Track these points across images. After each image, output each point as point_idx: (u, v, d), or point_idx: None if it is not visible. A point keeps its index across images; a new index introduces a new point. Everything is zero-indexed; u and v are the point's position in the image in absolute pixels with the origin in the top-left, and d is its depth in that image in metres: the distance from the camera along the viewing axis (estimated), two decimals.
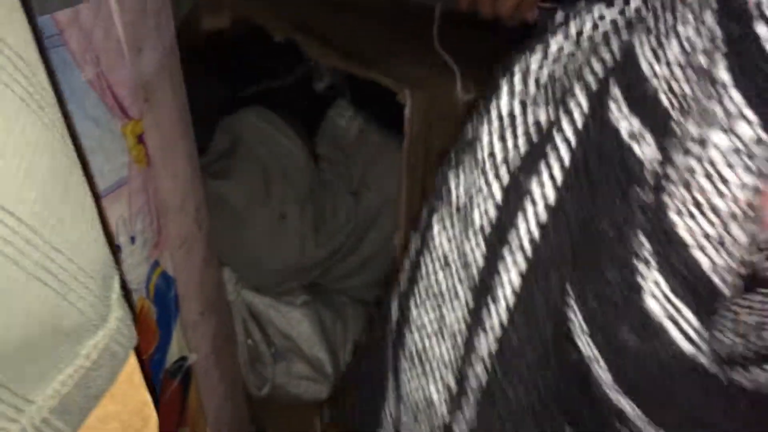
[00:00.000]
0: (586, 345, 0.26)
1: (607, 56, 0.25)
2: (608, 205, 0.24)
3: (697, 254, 0.23)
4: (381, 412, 0.36)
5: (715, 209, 0.22)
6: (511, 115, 0.27)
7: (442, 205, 0.30)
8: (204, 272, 0.84)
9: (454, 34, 0.94)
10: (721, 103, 0.21)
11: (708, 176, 0.22)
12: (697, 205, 0.22)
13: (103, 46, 0.60)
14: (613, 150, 0.24)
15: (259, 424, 1.09)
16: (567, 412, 0.29)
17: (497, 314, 0.27)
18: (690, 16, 0.22)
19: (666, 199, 0.23)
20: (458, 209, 0.29)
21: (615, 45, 0.25)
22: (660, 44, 0.23)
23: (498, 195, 0.27)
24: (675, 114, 0.23)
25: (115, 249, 0.63)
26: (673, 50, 0.23)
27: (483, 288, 0.28)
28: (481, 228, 0.28)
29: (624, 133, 0.24)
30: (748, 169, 0.21)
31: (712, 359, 0.24)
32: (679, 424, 0.26)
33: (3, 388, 0.23)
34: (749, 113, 0.21)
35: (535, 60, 0.27)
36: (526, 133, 0.26)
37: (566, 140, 0.25)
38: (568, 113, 0.25)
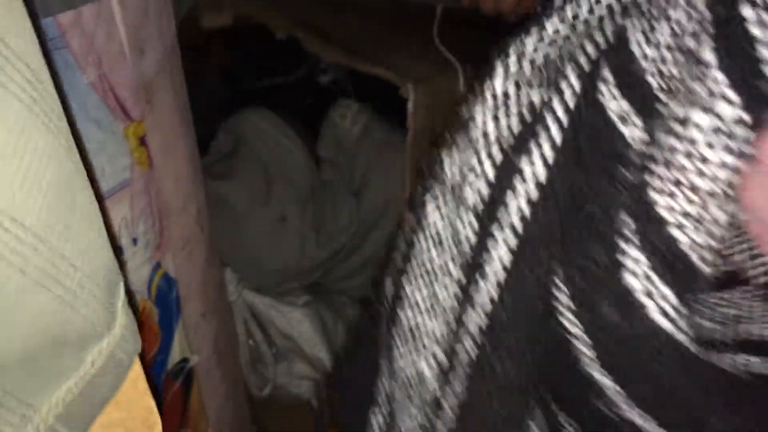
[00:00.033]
0: (570, 321, 0.26)
1: (600, 39, 0.25)
2: (596, 185, 0.25)
3: (676, 232, 0.23)
4: (376, 389, 0.36)
5: (694, 188, 0.23)
6: (505, 96, 0.27)
7: (436, 184, 0.31)
8: (206, 273, 0.84)
9: (454, 33, 0.94)
10: (704, 83, 0.21)
11: (688, 155, 0.22)
12: (677, 183, 0.23)
13: (105, 47, 0.60)
14: (602, 130, 0.25)
15: (260, 424, 1.09)
16: (553, 388, 0.30)
17: (487, 290, 0.28)
18: (681, 0, 0.22)
19: (648, 178, 0.23)
20: (451, 188, 0.29)
21: (609, 28, 0.25)
22: (652, 28, 0.23)
23: (490, 173, 0.27)
24: (662, 95, 0.23)
25: (118, 251, 0.63)
26: (663, 33, 0.23)
27: (474, 265, 0.28)
28: (473, 206, 0.28)
29: (612, 114, 0.24)
30: (728, 149, 0.22)
31: (690, 337, 0.25)
32: (654, 398, 0.26)
33: (9, 396, 0.23)
34: (731, 94, 0.21)
35: (530, 42, 0.27)
36: (520, 114, 0.27)
37: (557, 120, 0.26)
38: (560, 93, 0.26)
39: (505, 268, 0.27)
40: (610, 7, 0.26)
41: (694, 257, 0.23)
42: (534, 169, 0.26)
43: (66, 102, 0.54)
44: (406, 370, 0.33)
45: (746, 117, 0.21)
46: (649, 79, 0.23)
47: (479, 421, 0.30)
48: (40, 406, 0.24)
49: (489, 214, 0.28)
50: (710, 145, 0.22)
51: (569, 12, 0.27)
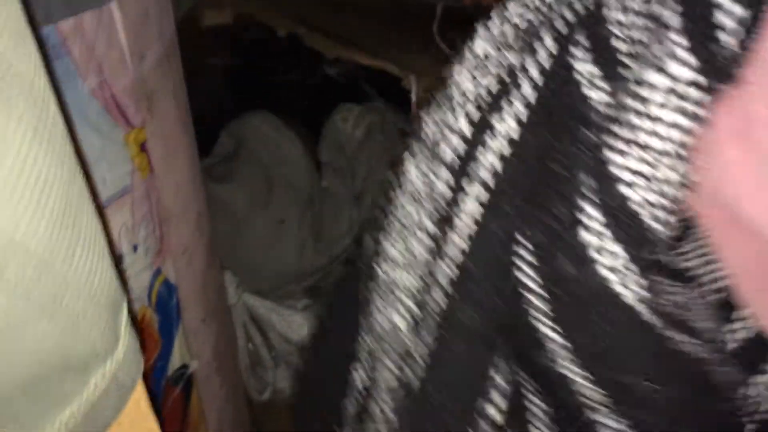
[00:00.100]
0: (527, 275, 0.27)
1: (579, 6, 0.26)
2: (561, 145, 0.26)
3: (627, 190, 0.24)
4: (355, 343, 0.36)
5: (645, 147, 0.23)
6: (486, 57, 0.28)
7: (417, 144, 0.31)
8: (206, 278, 0.84)
9: (454, 32, 0.94)
10: (664, 45, 0.22)
11: (641, 114, 0.23)
12: (629, 142, 0.23)
13: (106, 54, 0.60)
14: (570, 92, 0.25)
15: (260, 428, 1.09)
16: (516, 344, 0.30)
17: (458, 242, 0.28)
18: None
19: (606, 138, 0.24)
20: (430, 145, 0.30)
21: None
22: None
23: (466, 130, 0.28)
24: (628, 60, 0.24)
25: (117, 259, 0.63)
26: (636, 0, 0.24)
27: (447, 218, 0.29)
28: (449, 162, 0.29)
29: (579, 77, 0.25)
30: (680, 109, 0.22)
31: (638, 297, 0.25)
32: (597, 355, 0.27)
33: (13, 421, 0.23)
34: (688, 56, 0.22)
35: (514, 7, 0.28)
36: (498, 75, 0.27)
37: (531, 79, 0.26)
38: (536, 54, 0.26)
39: (476, 222, 0.28)
40: None
41: (645, 215, 0.24)
42: (506, 125, 0.27)
43: (66, 111, 0.54)
44: (382, 324, 0.33)
45: (701, 79, 0.22)
46: (618, 44, 0.24)
47: (447, 370, 0.31)
48: (42, 430, 0.24)
49: (463, 169, 0.28)
50: (663, 106, 0.23)
51: None
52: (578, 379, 0.27)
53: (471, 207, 0.28)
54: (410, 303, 0.32)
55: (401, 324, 0.32)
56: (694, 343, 0.27)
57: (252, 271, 1.10)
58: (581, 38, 0.25)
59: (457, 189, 0.28)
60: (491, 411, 0.31)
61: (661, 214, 0.24)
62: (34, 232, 0.22)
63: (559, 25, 0.27)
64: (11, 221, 0.22)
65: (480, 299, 0.29)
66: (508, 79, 0.27)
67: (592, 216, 0.25)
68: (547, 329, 0.27)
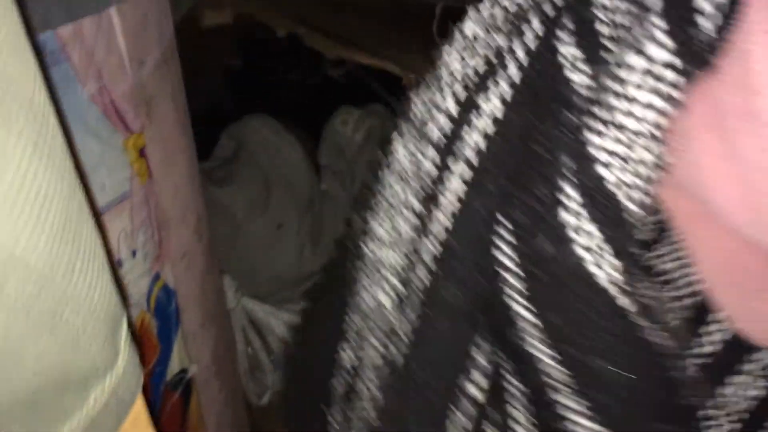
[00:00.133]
0: (504, 254, 0.27)
1: None
2: (544, 126, 0.26)
3: (603, 170, 0.24)
4: (343, 323, 0.37)
5: (621, 127, 0.24)
6: (475, 38, 0.28)
7: (405, 124, 0.32)
8: (204, 283, 0.84)
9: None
10: (644, 27, 0.22)
11: (618, 95, 0.23)
12: (607, 123, 0.24)
13: (106, 59, 0.59)
14: (554, 75, 0.26)
15: None
16: (493, 322, 0.31)
17: (442, 219, 0.29)
18: None
19: (586, 119, 0.24)
20: (418, 126, 0.30)
21: None
22: None
23: (452, 109, 0.28)
24: (610, 44, 0.24)
25: (116, 264, 0.63)
26: None
27: (432, 196, 0.29)
28: (436, 141, 0.29)
29: (562, 59, 0.25)
30: (656, 90, 0.23)
31: (610, 280, 0.26)
32: (566, 334, 0.27)
33: None
34: (666, 39, 0.22)
35: None
36: (485, 56, 0.28)
37: (517, 60, 0.27)
38: (523, 36, 0.27)
39: (459, 199, 0.28)
40: None
41: (621, 196, 0.24)
42: (491, 104, 0.27)
43: (65, 117, 0.54)
44: (368, 302, 0.34)
45: (677, 62, 0.22)
46: (602, 27, 0.24)
47: (430, 348, 0.31)
48: None
49: (448, 148, 0.28)
50: (639, 86, 0.23)
51: None
52: (545, 358, 0.28)
53: (455, 185, 0.28)
54: (395, 281, 0.32)
55: (386, 302, 0.33)
56: (662, 337, 0.28)
57: (251, 274, 1.09)
58: (567, 21, 0.26)
59: (443, 167, 0.29)
60: (472, 390, 0.31)
61: (636, 194, 0.24)
62: (34, 247, 0.22)
63: (547, 8, 0.27)
64: (11, 236, 0.22)
65: (463, 276, 0.29)
66: (495, 61, 0.28)
67: (571, 196, 0.25)
68: (519, 307, 0.28)
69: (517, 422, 0.31)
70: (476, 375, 0.31)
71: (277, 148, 1.08)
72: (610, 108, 0.24)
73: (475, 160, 0.28)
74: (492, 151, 0.27)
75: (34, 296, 0.22)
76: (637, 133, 0.23)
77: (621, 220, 0.25)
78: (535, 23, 0.27)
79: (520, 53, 0.27)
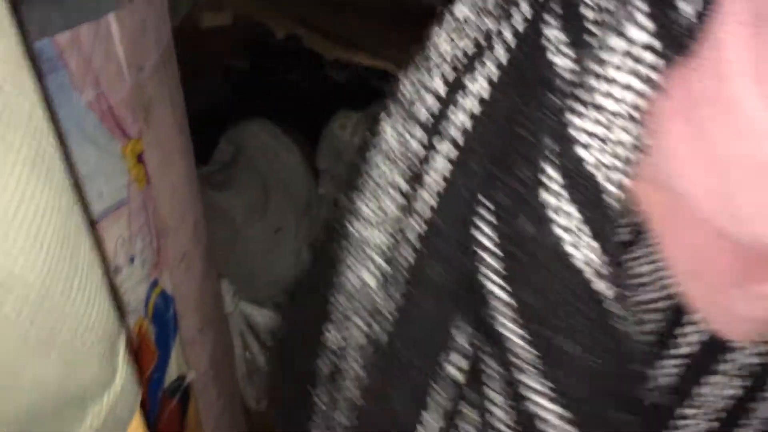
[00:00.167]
0: (483, 234, 0.27)
1: None
2: (529, 110, 0.26)
3: (582, 151, 0.24)
4: (328, 305, 0.37)
5: (600, 108, 0.24)
6: (465, 21, 0.29)
7: (394, 105, 0.32)
8: (202, 288, 0.84)
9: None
10: (626, 9, 0.23)
11: (599, 76, 0.24)
12: (587, 104, 0.24)
13: (104, 66, 0.59)
14: (539, 58, 0.26)
15: None
16: (471, 302, 0.31)
17: (427, 198, 0.29)
18: None
19: (568, 102, 0.25)
20: (406, 106, 0.31)
21: None
22: None
23: (441, 90, 0.29)
24: (594, 28, 0.24)
25: (114, 272, 0.63)
26: None
27: (418, 176, 0.29)
28: (423, 121, 0.29)
29: (547, 42, 0.26)
30: (634, 72, 0.23)
31: (586, 262, 0.26)
32: (538, 313, 0.27)
33: None
34: (646, 21, 0.22)
35: None
36: (475, 38, 0.28)
37: (505, 42, 0.27)
38: (511, 18, 0.27)
39: (444, 179, 0.28)
40: None
41: (600, 177, 0.25)
42: (478, 84, 0.27)
43: (62, 125, 0.53)
44: (353, 282, 0.34)
45: (656, 44, 0.22)
46: (587, 11, 0.24)
47: (415, 326, 0.31)
48: None
49: (435, 127, 0.29)
50: (618, 68, 0.23)
51: None
52: (513, 337, 0.28)
53: (441, 164, 0.28)
54: (380, 260, 0.32)
55: (371, 281, 0.33)
56: (633, 330, 0.28)
57: (249, 279, 1.09)
58: (554, 5, 0.26)
59: (429, 147, 0.29)
60: (452, 370, 0.32)
61: (614, 175, 0.25)
62: (32, 265, 0.22)
63: None
64: (9, 255, 0.21)
65: (447, 255, 0.29)
66: (484, 43, 0.28)
67: (552, 177, 0.25)
68: (494, 287, 0.28)
69: (494, 404, 0.31)
70: (456, 356, 0.32)
71: (276, 152, 1.08)
72: (591, 89, 0.24)
73: (460, 140, 0.28)
74: (478, 132, 0.28)
75: (32, 314, 0.22)
76: (615, 114, 0.24)
77: (600, 201, 0.25)
78: (524, 6, 0.27)
79: (508, 35, 0.27)
